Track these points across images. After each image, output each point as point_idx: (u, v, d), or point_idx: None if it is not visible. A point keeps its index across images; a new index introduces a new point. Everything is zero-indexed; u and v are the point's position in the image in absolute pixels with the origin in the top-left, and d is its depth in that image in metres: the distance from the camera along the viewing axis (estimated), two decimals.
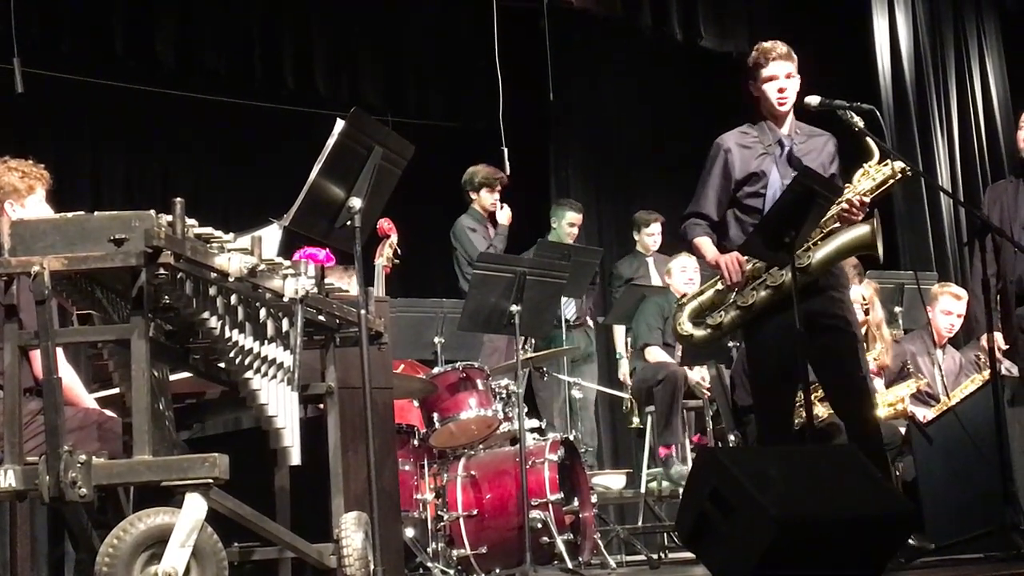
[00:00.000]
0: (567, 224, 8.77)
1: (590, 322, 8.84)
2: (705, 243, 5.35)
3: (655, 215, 9.25)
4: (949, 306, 7.24)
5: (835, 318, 5.23)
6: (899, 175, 5.22)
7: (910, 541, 4.82)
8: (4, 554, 4.56)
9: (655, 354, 7.90)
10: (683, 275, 8.13)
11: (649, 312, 8.08)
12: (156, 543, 3.19)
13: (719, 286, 5.25)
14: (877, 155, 5.24)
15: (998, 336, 5.84)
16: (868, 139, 5.23)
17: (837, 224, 5.16)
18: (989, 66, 10.47)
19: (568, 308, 8.50)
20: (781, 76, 5.34)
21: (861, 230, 5.14)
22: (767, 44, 5.42)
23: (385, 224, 6.16)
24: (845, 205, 5.12)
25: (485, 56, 8.85)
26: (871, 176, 5.19)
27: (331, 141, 4.22)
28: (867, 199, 5.17)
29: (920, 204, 9.91)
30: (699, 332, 5.27)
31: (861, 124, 5.20)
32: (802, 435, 5.60)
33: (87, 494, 3.28)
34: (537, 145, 10.64)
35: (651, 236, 9.19)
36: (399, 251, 6.49)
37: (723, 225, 5.41)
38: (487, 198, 8.24)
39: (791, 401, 5.29)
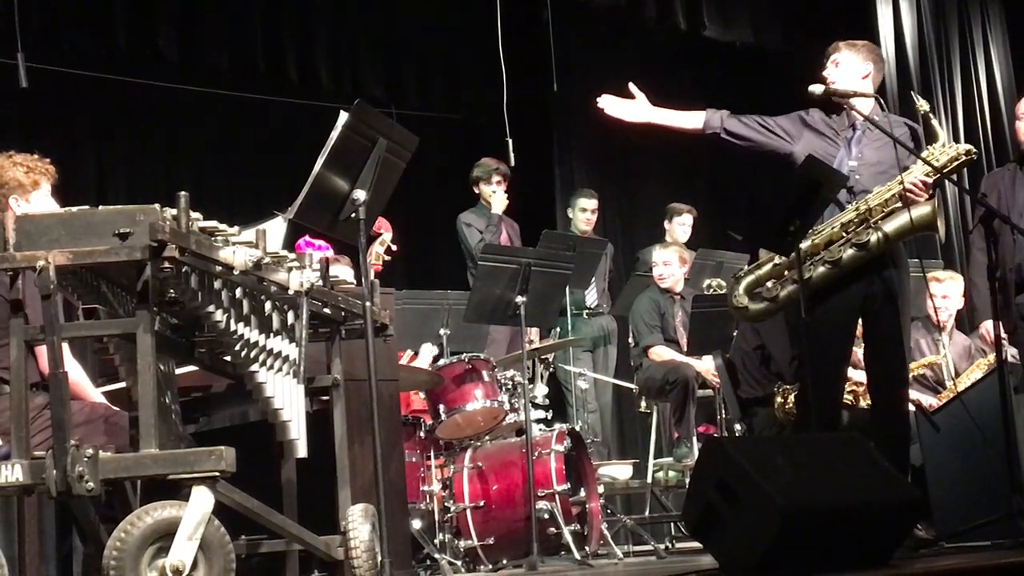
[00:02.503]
0: (580, 211, 8.83)
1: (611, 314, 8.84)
2: None
3: (687, 206, 9.24)
4: (932, 289, 7.24)
5: (890, 299, 5.25)
6: (963, 157, 5.22)
7: (917, 531, 4.83)
8: (12, 548, 4.57)
9: (661, 353, 7.90)
10: (655, 269, 8.15)
11: (644, 309, 8.07)
12: (163, 536, 3.20)
13: (777, 260, 5.21)
14: (941, 138, 5.25)
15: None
16: (932, 122, 5.24)
17: (899, 204, 5.14)
18: (993, 54, 10.45)
19: (590, 295, 8.51)
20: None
21: (923, 210, 5.12)
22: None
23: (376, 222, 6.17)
24: (908, 186, 5.10)
25: (488, 47, 8.84)
26: (935, 157, 5.18)
27: (335, 133, 4.22)
28: (930, 180, 5.15)
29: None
30: (755, 305, 5.23)
31: (926, 107, 5.22)
32: (802, 427, 5.64)
33: (94, 488, 3.28)
34: (541, 136, 10.63)
35: (682, 226, 9.18)
36: (392, 247, 6.50)
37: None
38: (485, 190, 8.25)
39: (843, 383, 5.32)
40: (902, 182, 5.07)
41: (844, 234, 5.12)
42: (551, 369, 7.97)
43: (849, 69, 5.37)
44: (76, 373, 4.67)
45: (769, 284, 5.22)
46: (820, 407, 5.09)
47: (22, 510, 4.46)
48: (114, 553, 3.15)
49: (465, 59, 10.08)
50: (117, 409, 4.62)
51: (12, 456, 3.36)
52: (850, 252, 5.09)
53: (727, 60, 10.70)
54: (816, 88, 5.25)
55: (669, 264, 8.16)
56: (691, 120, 5.47)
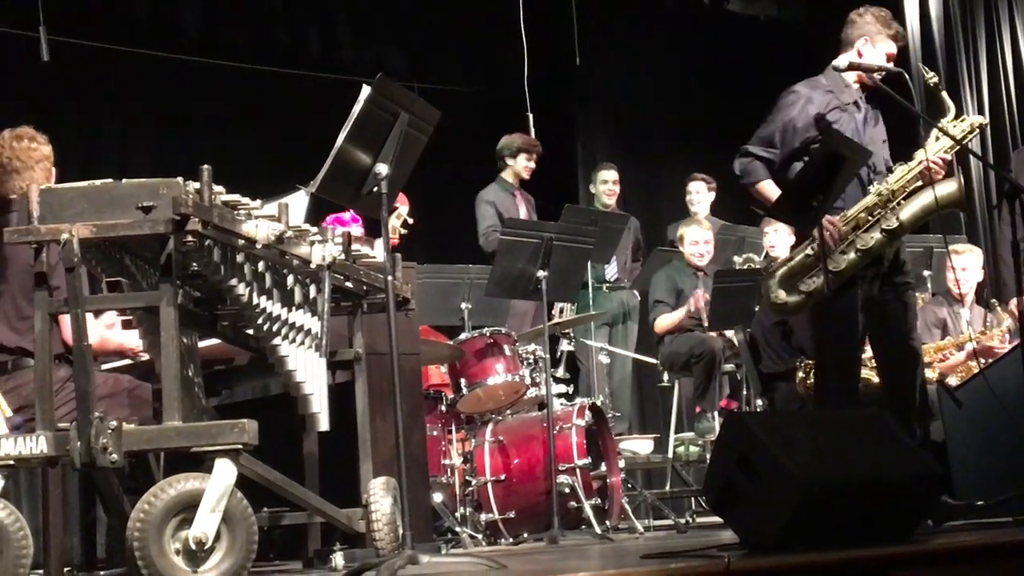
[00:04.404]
0: (601, 183, 8.86)
1: (635, 290, 8.83)
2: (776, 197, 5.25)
3: (700, 175, 9.19)
4: (953, 261, 7.22)
5: (905, 277, 5.28)
6: (977, 130, 5.19)
7: (947, 500, 4.86)
8: (36, 519, 4.61)
9: (665, 319, 7.86)
10: (695, 247, 8.11)
11: (659, 285, 8.05)
12: (187, 508, 3.21)
13: (808, 250, 5.15)
14: (952, 111, 5.20)
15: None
16: (943, 95, 5.20)
17: (920, 183, 5.11)
18: (1020, 28, 10.35)
19: (609, 269, 8.50)
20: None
21: (949, 188, 5.09)
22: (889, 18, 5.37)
23: None
24: (928, 164, 5.07)
25: (510, 22, 8.82)
26: (949, 132, 5.14)
27: (357, 107, 4.21)
28: (949, 156, 5.13)
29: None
30: (793, 299, 5.17)
31: (935, 80, 5.19)
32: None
33: (118, 460, 3.30)
34: (563, 111, 10.61)
35: (689, 195, 9.15)
36: (409, 221, 6.49)
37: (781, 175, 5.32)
38: (524, 164, 8.24)
39: (860, 368, 5.33)
40: (924, 160, 5.04)
41: (869, 218, 5.10)
42: (571, 345, 7.98)
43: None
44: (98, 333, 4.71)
45: (807, 280, 5.15)
46: (842, 385, 5.08)
47: (46, 481, 4.49)
48: (138, 524, 3.17)
49: (487, 33, 10.04)
50: (140, 382, 4.64)
51: (37, 428, 3.38)
52: (877, 237, 5.05)
53: (750, 34, 10.65)
54: (840, 62, 5.23)
55: (708, 242, 8.14)
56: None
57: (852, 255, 5.07)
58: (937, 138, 5.15)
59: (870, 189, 5.16)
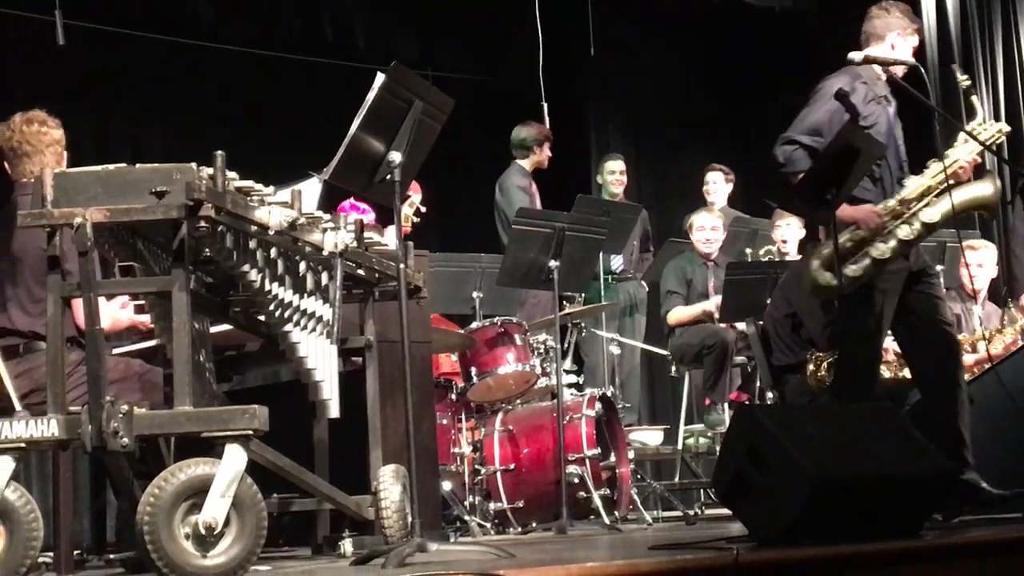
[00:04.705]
0: (608, 173, 8.83)
1: (643, 281, 8.82)
2: None
3: (719, 166, 9.17)
4: (967, 258, 7.19)
5: (933, 273, 5.32)
6: (1001, 136, 5.20)
7: (985, 488, 4.93)
8: (46, 502, 4.63)
9: (680, 313, 7.85)
10: (701, 233, 8.10)
11: (670, 276, 8.03)
12: (197, 493, 3.22)
13: (850, 236, 5.08)
14: (980, 114, 5.20)
15: None
16: (972, 98, 5.19)
17: (952, 182, 5.10)
18: None
19: (615, 261, 8.49)
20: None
21: (984, 190, 5.10)
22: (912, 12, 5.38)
23: None
24: (959, 164, 5.06)
25: (525, 10, 8.80)
26: (978, 134, 5.12)
27: (371, 95, 4.21)
28: (979, 159, 5.14)
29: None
30: (836, 283, 5.15)
31: (969, 83, 5.19)
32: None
33: (128, 444, 3.31)
34: (577, 101, 10.59)
35: (704, 185, 9.14)
36: (421, 209, 6.50)
37: None
38: (547, 154, 8.22)
39: (880, 362, 5.35)
40: (958, 160, 5.04)
41: (905, 210, 5.08)
42: (575, 335, 7.97)
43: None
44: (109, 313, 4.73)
45: (853, 266, 5.12)
46: (862, 378, 5.08)
47: (57, 464, 4.51)
48: (148, 509, 3.17)
49: (501, 22, 10.03)
50: (151, 366, 4.65)
51: (48, 411, 3.39)
52: (917, 229, 5.04)
53: (765, 26, 10.62)
54: (856, 55, 5.21)
55: (716, 229, 8.13)
56: None
57: (893, 243, 5.05)
58: (966, 140, 5.15)
59: (904, 183, 5.14)
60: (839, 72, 5.26)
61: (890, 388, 6.07)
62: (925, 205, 5.08)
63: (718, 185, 9.08)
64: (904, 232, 5.05)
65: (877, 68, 5.23)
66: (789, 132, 5.18)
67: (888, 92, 5.28)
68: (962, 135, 5.17)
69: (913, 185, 5.12)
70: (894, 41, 5.28)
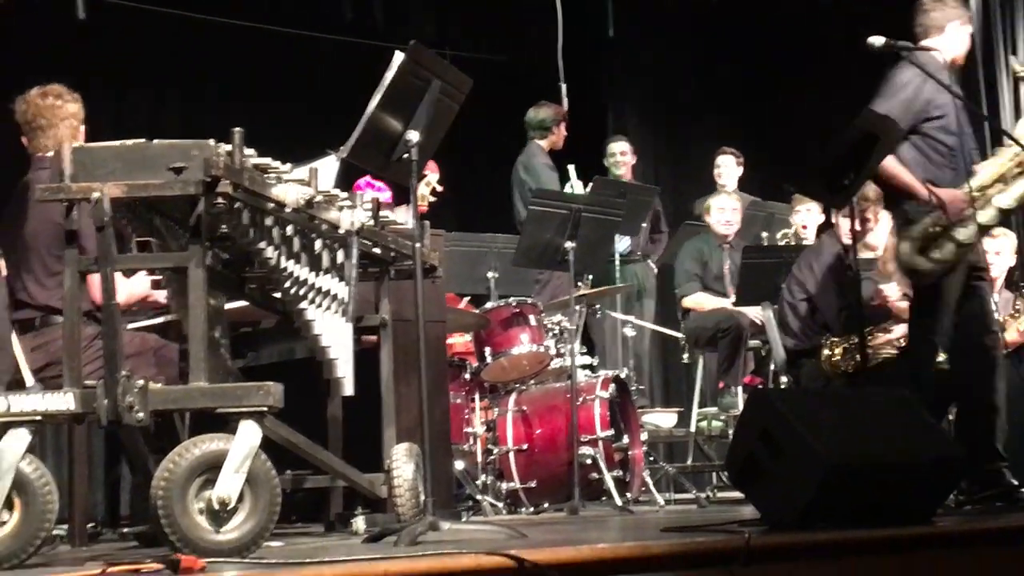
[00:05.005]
0: (609, 155, 8.82)
1: (651, 261, 8.81)
2: (904, 173, 5.16)
3: (730, 149, 9.15)
4: (986, 245, 7.14)
5: (984, 268, 5.34)
6: None
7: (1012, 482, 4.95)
8: (62, 475, 4.66)
9: (701, 300, 7.85)
10: (721, 215, 8.07)
11: (686, 257, 8.01)
12: (211, 469, 3.23)
13: (930, 220, 5.06)
14: None
15: None
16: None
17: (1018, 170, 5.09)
18: None
19: (621, 242, 8.47)
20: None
21: None
22: None
23: None
24: None
25: None
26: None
27: (389, 74, 4.21)
28: None
29: (983, 147, 9.72)
30: (928, 267, 5.14)
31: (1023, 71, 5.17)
32: (854, 379, 5.61)
33: (143, 418, 3.33)
34: (594, 81, 10.56)
35: (716, 168, 9.12)
36: (437, 188, 6.49)
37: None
38: (563, 134, 8.21)
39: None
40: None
41: (981, 196, 5.06)
42: (598, 315, 7.96)
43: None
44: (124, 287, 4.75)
45: (940, 250, 5.09)
46: (929, 368, 5.10)
47: (72, 438, 4.54)
48: (162, 483, 3.19)
49: (520, 2, 10.00)
50: (167, 342, 4.67)
51: (64, 384, 3.41)
52: (993, 214, 5.06)
53: (786, 9, 10.55)
54: (876, 40, 5.18)
55: (735, 211, 8.11)
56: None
57: (974, 228, 5.03)
58: None
59: (974, 168, 5.13)
60: (902, 65, 5.20)
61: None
62: (999, 191, 5.06)
63: (729, 168, 9.06)
64: (985, 217, 5.03)
65: (939, 57, 5.20)
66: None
67: (953, 81, 5.26)
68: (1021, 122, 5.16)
69: (987, 171, 5.09)
70: (955, 31, 5.28)
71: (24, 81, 4.95)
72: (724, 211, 8.08)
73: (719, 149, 9.18)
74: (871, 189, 5.98)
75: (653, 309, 8.79)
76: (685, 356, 8.13)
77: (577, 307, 6.36)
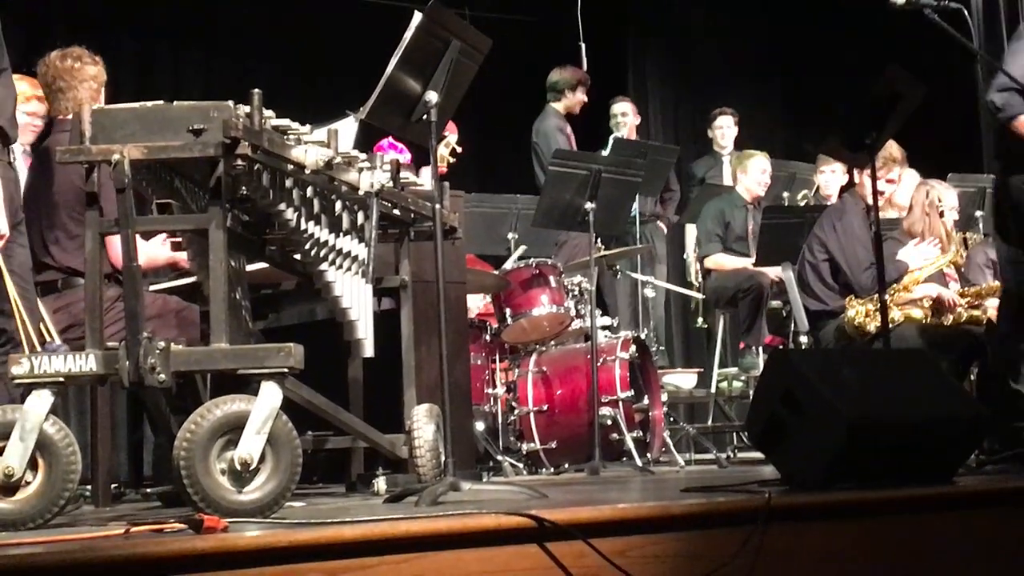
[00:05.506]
0: (612, 117, 8.73)
1: (660, 223, 8.78)
2: None
3: (728, 109, 9.11)
4: None
5: None
6: None
7: None
8: (84, 436, 4.68)
9: (722, 260, 7.83)
10: (762, 176, 8.03)
11: (709, 217, 7.98)
12: (232, 429, 3.24)
13: None
14: None
15: None
16: None
17: None
18: None
19: None
20: None
21: None
22: None
23: None
24: None
25: None
26: None
27: (408, 34, 4.19)
28: None
29: None
30: None
31: None
32: (876, 339, 5.59)
33: (166, 379, 3.34)
34: (615, 42, 10.51)
35: (719, 129, 9.08)
36: (457, 149, 6.48)
37: None
38: (580, 97, 8.18)
39: None
40: None
41: None
42: (617, 276, 7.95)
43: None
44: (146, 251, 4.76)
45: None
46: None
47: (95, 399, 4.56)
48: (184, 444, 3.20)
49: None
50: (188, 303, 4.68)
51: (86, 346, 3.42)
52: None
53: None
54: None
55: (766, 171, 8.08)
56: None
57: None
58: None
59: None
60: None
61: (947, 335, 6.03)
62: None
63: (730, 129, 9.04)
64: None
65: None
66: (1001, 78, 4.95)
67: None
68: None
69: None
70: None
71: (46, 43, 4.95)
72: (766, 172, 8.05)
73: (719, 110, 9.14)
74: (895, 148, 5.94)
75: (665, 271, 8.78)
76: (700, 320, 8.12)
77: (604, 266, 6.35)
